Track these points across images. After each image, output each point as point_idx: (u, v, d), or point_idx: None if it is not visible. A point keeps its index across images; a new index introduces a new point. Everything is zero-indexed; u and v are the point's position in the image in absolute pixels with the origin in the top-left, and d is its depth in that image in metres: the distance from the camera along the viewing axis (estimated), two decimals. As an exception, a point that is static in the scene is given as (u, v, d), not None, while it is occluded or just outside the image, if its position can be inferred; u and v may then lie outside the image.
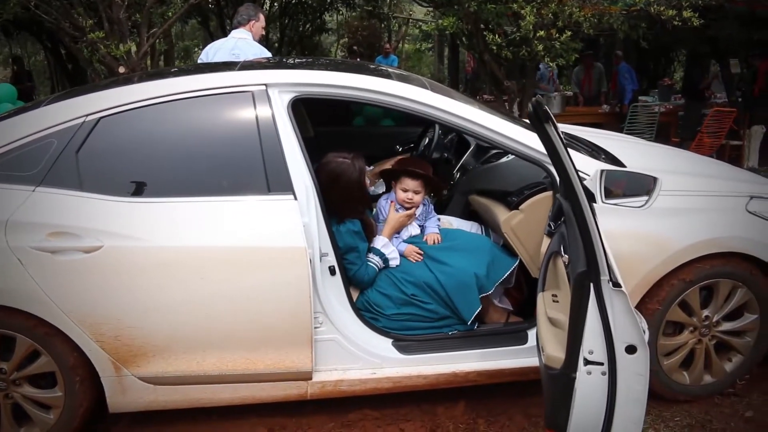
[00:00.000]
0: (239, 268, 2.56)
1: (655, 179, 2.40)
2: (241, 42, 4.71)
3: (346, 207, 2.89)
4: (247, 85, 2.75)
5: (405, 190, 3.12)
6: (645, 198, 2.44)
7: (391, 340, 2.87)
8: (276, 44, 11.98)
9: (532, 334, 2.89)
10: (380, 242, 3.02)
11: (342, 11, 12.45)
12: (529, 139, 2.76)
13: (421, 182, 3.12)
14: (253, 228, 2.59)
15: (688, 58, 12.83)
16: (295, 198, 2.62)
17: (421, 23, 17.94)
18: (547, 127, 1.67)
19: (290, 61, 3.77)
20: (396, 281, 2.94)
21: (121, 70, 6.34)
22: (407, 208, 3.14)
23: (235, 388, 2.73)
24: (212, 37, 12.11)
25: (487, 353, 2.89)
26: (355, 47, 12.28)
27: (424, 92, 2.79)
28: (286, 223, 2.57)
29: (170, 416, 2.89)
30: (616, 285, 1.84)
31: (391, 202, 3.16)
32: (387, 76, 2.94)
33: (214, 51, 4.76)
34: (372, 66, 3.79)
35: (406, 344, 2.88)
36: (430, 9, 8.98)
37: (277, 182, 2.63)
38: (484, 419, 2.95)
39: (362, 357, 2.80)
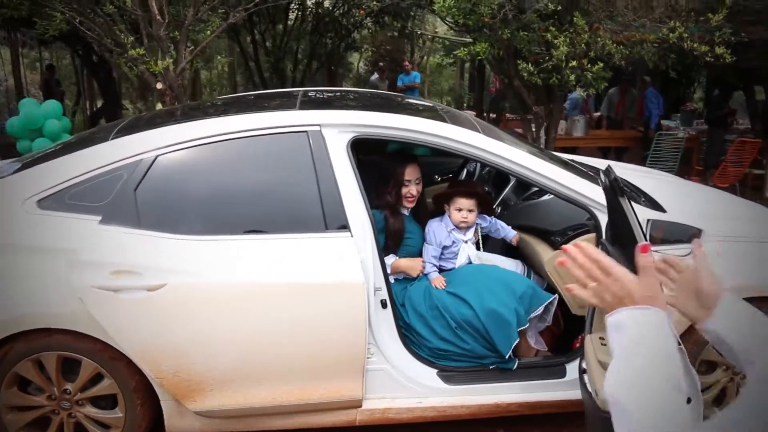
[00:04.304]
0: (298, 304, 2.66)
1: (700, 231, 2.50)
2: None
3: (379, 191, 3.19)
4: (304, 125, 2.86)
5: (459, 210, 3.27)
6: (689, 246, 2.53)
7: (435, 371, 2.98)
8: (305, 60, 12.17)
9: (569, 368, 3.00)
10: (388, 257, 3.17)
11: (370, 28, 12.62)
12: (576, 184, 2.89)
13: (474, 201, 3.26)
14: (312, 264, 2.69)
15: (707, 84, 12.90)
16: (352, 235, 2.73)
17: (445, 41, 18.07)
18: (621, 201, 1.79)
19: (348, 99, 3.87)
20: (440, 315, 3.05)
21: (159, 86, 6.53)
22: (462, 229, 3.30)
23: (289, 415, 2.85)
24: (243, 53, 12.34)
25: (527, 386, 2.99)
26: (381, 63, 12.47)
27: (476, 136, 2.91)
28: (344, 260, 2.67)
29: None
30: (678, 343, 1.94)
31: (450, 229, 3.30)
32: (441, 118, 3.06)
33: None
34: (423, 104, 3.89)
35: (450, 375, 2.99)
36: (455, 29, 9.09)
37: (334, 220, 2.74)
38: (522, 448, 3.06)
39: (409, 386, 2.91)
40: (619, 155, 9.66)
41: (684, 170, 8.11)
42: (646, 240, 1.91)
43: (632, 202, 1.89)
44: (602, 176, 2.01)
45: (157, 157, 2.77)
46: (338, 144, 2.83)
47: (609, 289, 1.10)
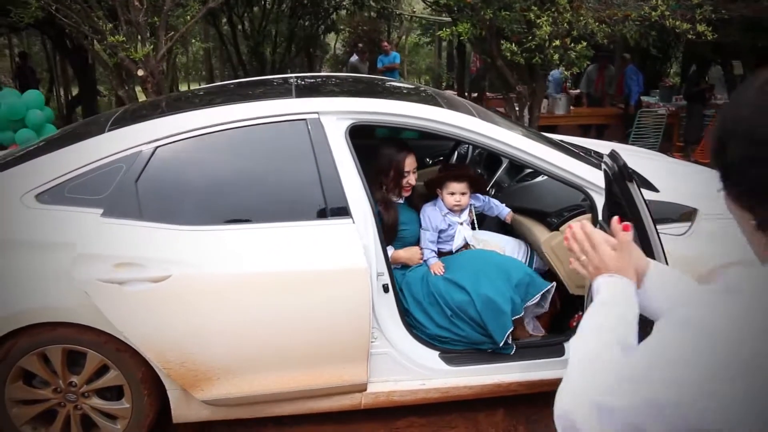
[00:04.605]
0: (304, 291, 2.67)
1: (695, 210, 2.56)
2: None
3: (376, 180, 3.17)
4: (303, 113, 2.85)
5: (452, 194, 3.30)
6: (688, 224, 2.60)
7: (437, 353, 3.03)
8: (284, 43, 12.05)
9: (568, 347, 3.06)
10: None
11: (349, 9, 12.51)
12: (572, 166, 2.93)
13: (466, 184, 3.30)
14: (316, 252, 2.71)
15: (684, 59, 13.03)
16: (354, 221, 2.75)
17: (423, 20, 18.00)
18: (630, 186, 1.84)
19: (342, 85, 3.85)
20: (436, 302, 3.09)
21: (140, 73, 6.45)
22: (456, 212, 3.33)
23: (294, 401, 2.89)
24: (221, 37, 12.19)
25: (527, 365, 3.05)
26: (359, 44, 12.39)
27: (475, 121, 2.94)
28: (347, 246, 2.69)
29: (226, 425, 3.04)
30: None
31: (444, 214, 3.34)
32: (436, 103, 3.08)
33: None
34: (415, 89, 3.89)
35: (451, 356, 3.04)
36: (437, 9, 9.07)
37: (336, 207, 2.76)
38: (523, 426, 3.14)
39: (412, 369, 2.96)
40: (600, 133, 9.75)
41: (665, 147, 8.21)
42: (654, 224, 1.96)
43: (641, 190, 1.94)
44: (608, 160, 2.05)
45: (157, 148, 2.75)
46: (337, 131, 2.84)
47: (593, 261, 1.28)
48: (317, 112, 2.86)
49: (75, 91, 13.73)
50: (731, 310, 0.87)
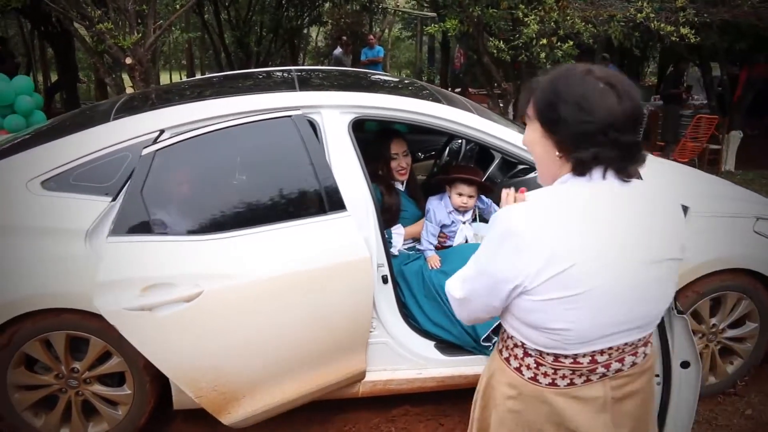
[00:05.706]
0: (316, 289, 2.63)
1: (686, 207, 2.65)
2: None
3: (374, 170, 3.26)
4: (309, 107, 2.86)
5: (460, 195, 3.37)
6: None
7: (433, 343, 3.10)
8: (271, 34, 12.00)
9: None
10: (395, 228, 3.31)
11: (335, 2, 12.50)
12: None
13: (475, 188, 3.39)
14: (325, 247, 2.67)
15: (661, 59, 13.26)
16: (353, 215, 2.73)
17: (406, 14, 18.02)
18: None
19: (342, 78, 3.88)
20: (432, 295, 3.14)
21: (128, 61, 6.42)
22: (461, 212, 3.41)
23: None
24: (206, 27, 12.10)
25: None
26: (344, 37, 12.40)
27: (475, 118, 3.01)
28: (349, 239, 2.69)
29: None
30: (680, 312, 2.11)
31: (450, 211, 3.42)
32: (437, 100, 3.14)
33: None
34: (412, 84, 3.93)
35: (447, 346, 3.11)
36: (424, 5, 9.13)
37: (336, 201, 2.72)
38: (514, 415, 3.23)
39: (409, 358, 3.03)
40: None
41: (645, 147, 8.36)
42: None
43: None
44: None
45: (170, 138, 2.71)
46: (341, 125, 2.88)
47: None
48: (320, 106, 2.89)
49: (54, 77, 13.51)
50: (523, 208, 1.40)
